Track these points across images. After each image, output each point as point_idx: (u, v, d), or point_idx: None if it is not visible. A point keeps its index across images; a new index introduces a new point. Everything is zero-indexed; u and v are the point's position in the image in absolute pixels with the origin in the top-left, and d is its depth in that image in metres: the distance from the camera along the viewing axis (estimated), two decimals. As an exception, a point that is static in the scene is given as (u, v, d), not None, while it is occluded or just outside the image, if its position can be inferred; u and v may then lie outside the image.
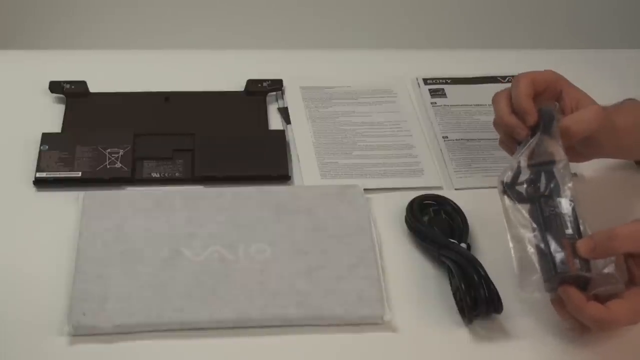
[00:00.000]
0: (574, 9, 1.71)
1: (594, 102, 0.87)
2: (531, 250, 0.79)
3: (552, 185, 0.82)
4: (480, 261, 0.83)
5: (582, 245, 0.77)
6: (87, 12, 1.64)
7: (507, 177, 0.84)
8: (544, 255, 0.78)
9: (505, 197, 0.83)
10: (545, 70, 0.88)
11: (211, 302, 0.81)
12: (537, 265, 0.78)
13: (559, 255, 0.77)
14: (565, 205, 0.80)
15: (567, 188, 0.81)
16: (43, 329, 0.80)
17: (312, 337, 0.81)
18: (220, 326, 0.81)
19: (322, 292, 0.82)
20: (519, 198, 0.82)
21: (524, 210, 0.81)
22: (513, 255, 0.80)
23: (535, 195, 0.82)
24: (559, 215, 0.80)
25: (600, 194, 0.94)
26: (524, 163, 0.83)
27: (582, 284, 0.77)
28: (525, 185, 0.82)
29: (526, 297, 0.80)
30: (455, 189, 0.96)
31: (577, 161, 0.90)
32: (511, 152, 0.88)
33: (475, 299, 0.80)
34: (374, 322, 0.82)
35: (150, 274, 0.83)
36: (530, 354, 0.81)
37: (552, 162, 0.83)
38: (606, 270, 0.77)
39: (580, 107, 0.86)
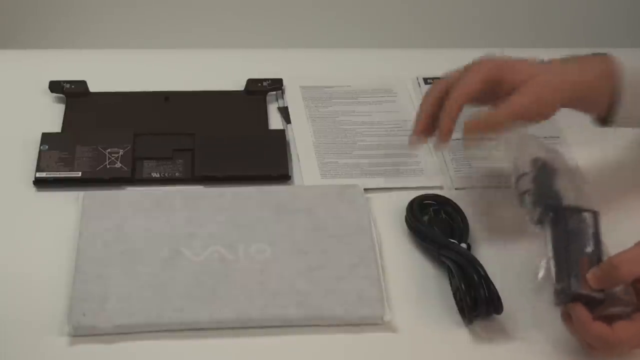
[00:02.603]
0: (574, 9, 1.71)
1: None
2: (550, 262, 0.79)
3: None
4: (480, 261, 0.83)
5: (591, 277, 0.77)
6: (87, 12, 1.63)
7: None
8: (561, 270, 0.78)
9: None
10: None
11: (211, 302, 0.81)
12: (553, 277, 0.78)
13: (574, 273, 0.77)
14: (589, 220, 0.80)
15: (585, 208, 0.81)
16: (43, 329, 0.80)
17: (312, 337, 0.81)
18: (220, 326, 0.81)
19: (322, 292, 0.82)
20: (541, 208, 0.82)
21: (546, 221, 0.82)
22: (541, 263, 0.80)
23: (558, 205, 0.82)
24: (581, 231, 0.79)
25: (602, 195, 0.94)
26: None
27: (593, 304, 0.77)
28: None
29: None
30: (456, 189, 0.96)
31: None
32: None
33: (475, 299, 0.80)
34: (374, 323, 0.82)
35: (150, 274, 0.83)
36: (530, 355, 0.81)
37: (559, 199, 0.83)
38: (616, 292, 0.76)
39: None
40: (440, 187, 0.96)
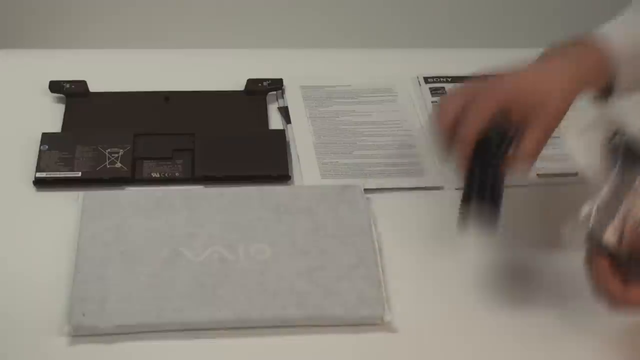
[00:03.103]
0: (573, 8, 1.71)
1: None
2: (598, 203, 0.77)
3: None
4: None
5: (629, 235, 0.74)
6: (87, 12, 1.63)
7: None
8: (605, 215, 0.76)
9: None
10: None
11: (211, 302, 0.81)
12: (593, 216, 0.76)
13: (614, 225, 0.75)
14: None
15: None
16: (43, 329, 0.80)
17: (312, 338, 0.81)
18: (220, 326, 0.81)
19: (322, 293, 0.82)
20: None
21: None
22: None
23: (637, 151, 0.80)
24: None
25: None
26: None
27: (617, 260, 0.75)
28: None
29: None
30: (456, 189, 0.96)
31: None
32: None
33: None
34: (374, 323, 0.82)
35: (150, 274, 0.83)
36: (531, 356, 0.81)
37: None
38: None
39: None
40: (441, 187, 0.96)
